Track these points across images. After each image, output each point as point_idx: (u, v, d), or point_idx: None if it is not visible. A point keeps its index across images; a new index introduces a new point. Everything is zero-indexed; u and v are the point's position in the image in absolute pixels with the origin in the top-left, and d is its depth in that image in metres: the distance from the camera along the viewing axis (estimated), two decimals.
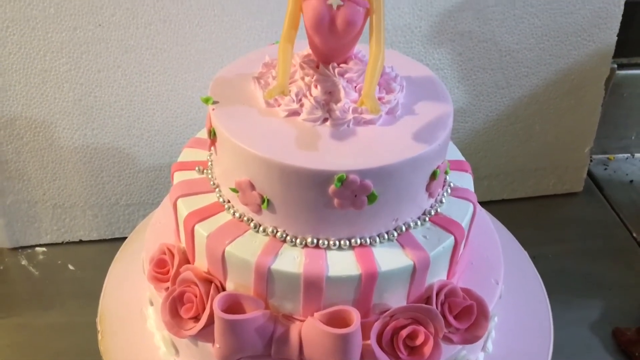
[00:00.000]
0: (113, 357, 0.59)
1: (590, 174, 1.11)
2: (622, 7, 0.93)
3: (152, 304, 0.58)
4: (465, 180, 0.58)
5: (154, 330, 0.60)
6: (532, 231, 0.99)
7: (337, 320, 0.48)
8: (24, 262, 0.91)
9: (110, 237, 0.94)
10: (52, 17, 0.79)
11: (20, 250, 0.92)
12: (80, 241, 0.94)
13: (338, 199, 0.47)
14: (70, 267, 0.90)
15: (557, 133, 1.02)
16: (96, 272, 0.79)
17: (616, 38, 0.95)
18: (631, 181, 1.10)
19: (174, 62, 0.84)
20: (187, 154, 0.59)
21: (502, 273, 0.58)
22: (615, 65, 1.03)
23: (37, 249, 0.93)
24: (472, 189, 0.57)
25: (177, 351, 0.56)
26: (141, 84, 0.85)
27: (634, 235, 0.99)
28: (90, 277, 0.85)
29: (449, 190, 0.56)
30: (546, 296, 0.68)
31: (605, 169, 1.13)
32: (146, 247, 0.58)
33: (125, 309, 0.64)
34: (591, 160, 1.13)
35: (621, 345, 0.80)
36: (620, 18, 0.94)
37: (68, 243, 0.94)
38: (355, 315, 0.47)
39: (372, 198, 0.47)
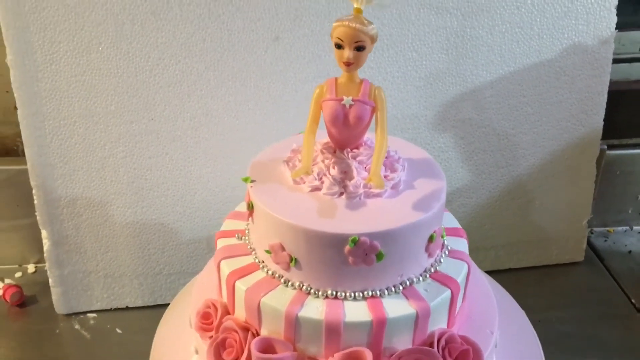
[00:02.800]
0: None
1: (591, 245, 1.20)
2: (606, 96, 1.05)
3: (197, 352, 0.68)
4: (460, 244, 0.68)
5: None
6: (537, 298, 1.08)
7: None
8: (77, 327, 1.02)
9: (153, 304, 1.05)
10: (112, 113, 0.93)
11: (73, 316, 1.03)
12: (127, 307, 1.05)
13: (352, 257, 0.58)
14: (118, 330, 1.01)
15: (555, 207, 1.12)
16: (141, 335, 0.89)
17: (602, 122, 1.07)
18: (630, 252, 1.19)
19: (214, 149, 0.97)
20: (228, 224, 0.71)
21: (497, 325, 0.68)
22: (605, 146, 1.15)
23: (89, 314, 1.04)
24: (467, 252, 0.68)
25: None
26: (185, 168, 0.98)
27: (633, 301, 1.07)
28: (136, 340, 0.96)
29: (447, 252, 0.67)
30: (541, 349, 0.76)
31: (605, 240, 1.22)
32: (193, 303, 0.69)
33: None
34: (592, 233, 1.23)
35: None
36: (604, 105, 1.06)
37: (116, 309, 1.05)
38: (368, 355, 0.57)
39: (379, 256, 0.58)
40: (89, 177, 0.96)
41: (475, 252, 1.11)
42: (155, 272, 1.04)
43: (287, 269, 0.61)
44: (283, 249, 0.60)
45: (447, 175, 1.06)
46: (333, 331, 0.58)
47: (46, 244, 0.99)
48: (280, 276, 0.62)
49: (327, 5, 0.91)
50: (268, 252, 0.62)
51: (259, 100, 0.96)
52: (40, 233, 0.99)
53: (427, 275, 0.63)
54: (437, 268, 0.64)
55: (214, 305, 0.66)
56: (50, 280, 1.02)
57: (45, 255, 1.00)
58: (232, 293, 0.64)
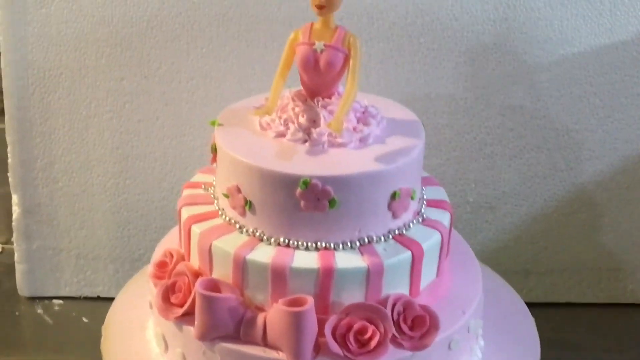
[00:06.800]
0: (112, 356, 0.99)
1: None
2: None
3: (151, 306, 0.98)
4: (441, 216, 0.96)
5: (152, 338, 1.00)
6: (594, 338, 1.31)
7: (297, 306, 0.86)
8: (39, 311, 1.35)
9: None
10: (102, 67, 1.28)
11: (37, 300, 1.37)
12: (99, 297, 1.37)
13: (304, 201, 0.87)
14: (85, 319, 1.33)
15: (631, 229, 1.35)
16: None
17: None
18: None
19: (210, 117, 1.27)
20: (198, 177, 1.02)
21: (474, 309, 0.94)
22: None
23: (54, 301, 1.37)
24: (446, 225, 0.95)
25: (166, 345, 0.95)
26: (177, 137, 1.31)
27: None
28: None
29: (421, 220, 0.94)
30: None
31: None
32: (154, 256, 1.00)
33: (128, 323, 1.05)
34: None
35: None
36: None
37: (85, 298, 1.37)
38: (310, 300, 0.85)
39: (332, 203, 0.87)
40: (71, 138, 1.31)
41: (525, 275, 1.37)
42: (134, 258, 1.36)
43: (243, 213, 0.91)
44: (239, 191, 0.90)
45: (491, 175, 1.32)
46: (279, 276, 0.87)
47: (16, 211, 1.34)
48: (237, 222, 0.92)
49: None
50: (226, 195, 0.92)
51: (267, 65, 1.26)
52: (12, 208, 1.33)
53: (391, 237, 0.91)
54: (404, 232, 0.92)
55: (171, 254, 0.96)
56: (15, 255, 1.36)
57: (13, 224, 1.34)
58: (187, 238, 0.94)
